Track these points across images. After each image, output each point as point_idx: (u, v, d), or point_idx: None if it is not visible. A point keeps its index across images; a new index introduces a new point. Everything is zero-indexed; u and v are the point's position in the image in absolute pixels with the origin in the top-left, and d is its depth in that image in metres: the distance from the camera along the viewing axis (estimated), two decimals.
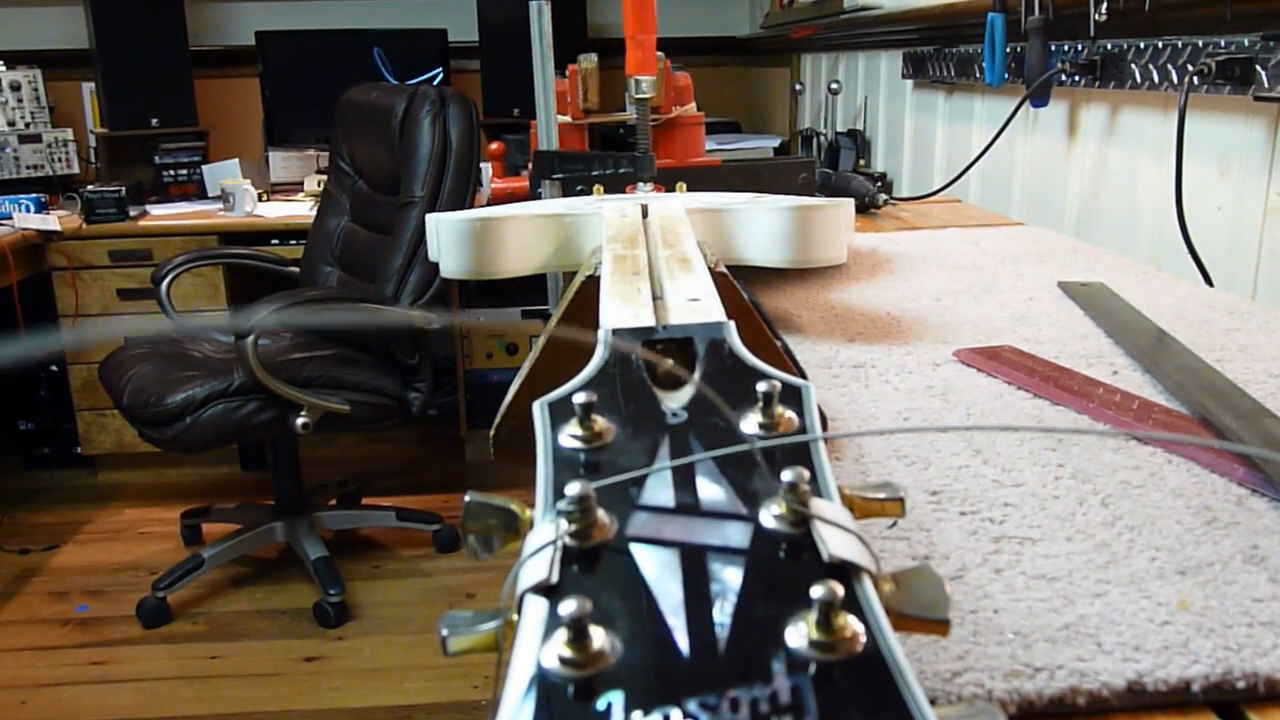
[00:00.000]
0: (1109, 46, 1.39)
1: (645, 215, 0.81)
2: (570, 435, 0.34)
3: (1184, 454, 0.62)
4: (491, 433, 0.63)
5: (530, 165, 1.44)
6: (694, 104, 1.61)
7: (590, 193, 1.22)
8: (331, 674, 2.16)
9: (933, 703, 0.23)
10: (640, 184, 1.21)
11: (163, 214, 3.04)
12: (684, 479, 0.32)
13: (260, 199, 3.10)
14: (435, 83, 3.12)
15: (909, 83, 2.32)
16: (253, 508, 2.68)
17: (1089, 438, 0.65)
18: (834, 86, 2.68)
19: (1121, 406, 0.69)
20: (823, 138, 2.76)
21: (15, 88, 3.10)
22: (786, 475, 0.29)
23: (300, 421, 2.21)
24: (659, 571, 0.28)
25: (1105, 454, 0.63)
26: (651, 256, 0.62)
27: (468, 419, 3.15)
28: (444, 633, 0.29)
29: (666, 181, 1.22)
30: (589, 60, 1.65)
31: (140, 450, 2.86)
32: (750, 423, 0.35)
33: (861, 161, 2.52)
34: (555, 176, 1.32)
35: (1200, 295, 1.02)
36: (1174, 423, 0.67)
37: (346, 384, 2.30)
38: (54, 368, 3.04)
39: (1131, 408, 0.69)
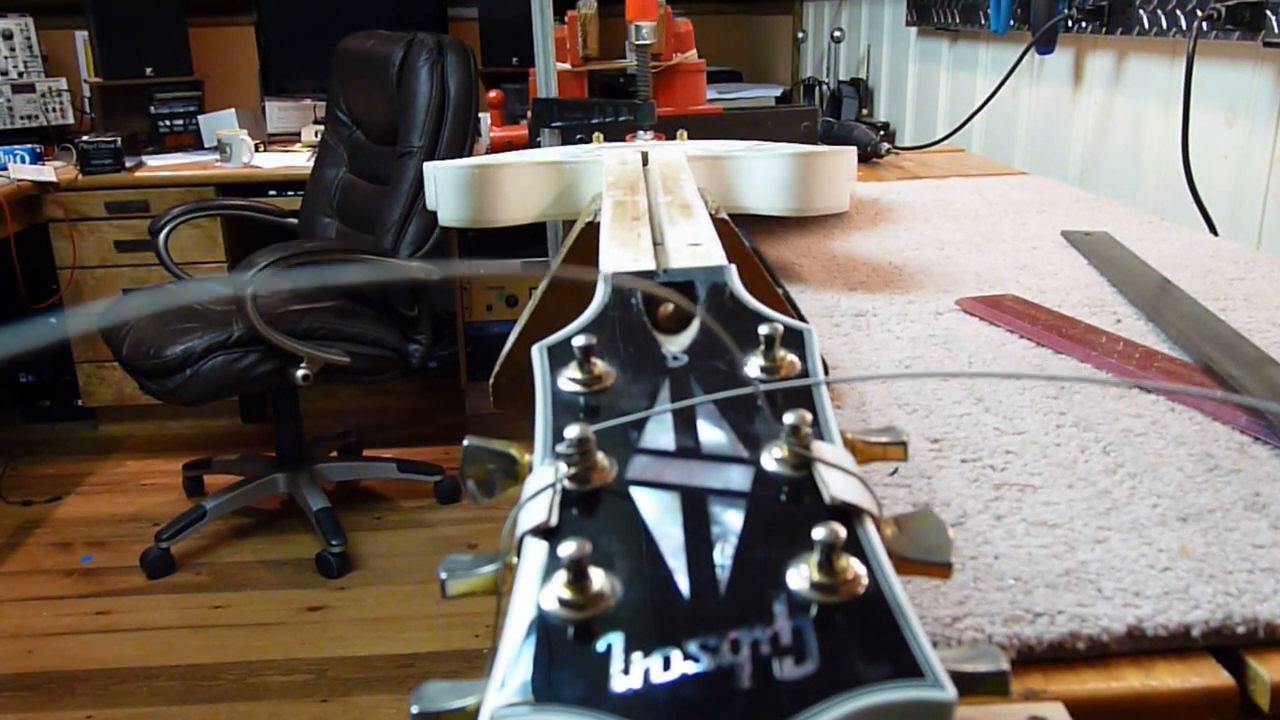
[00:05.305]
0: None
1: (645, 163, 0.80)
2: (569, 379, 0.34)
3: (1186, 402, 0.62)
4: (491, 381, 0.62)
5: (529, 114, 1.42)
6: (695, 51, 1.59)
7: (590, 141, 1.20)
8: (334, 623, 2.18)
9: (934, 646, 0.23)
10: (640, 132, 1.19)
11: (159, 164, 3.02)
12: (685, 422, 0.31)
13: (257, 150, 3.07)
14: None
15: (912, 30, 2.29)
16: (254, 459, 2.69)
17: (1091, 386, 0.65)
18: (837, 34, 2.64)
19: (1124, 355, 0.69)
20: (825, 87, 2.73)
21: (7, 36, 3.05)
22: (788, 418, 0.29)
23: (300, 373, 2.21)
24: (659, 514, 0.27)
25: (1107, 402, 0.62)
26: (651, 203, 0.62)
27: (468, 372, 3.14)
28: (443, 575, 0.29)
29: (667, 129, 1.20)
30: (588, 6, 1.63)
31: (141, 402, 2.86)
32: (752, 366, 0.34)
33: (864, 111, 2.50)
34: (554, 125, 1.30)
35: (1205, 244, 1.01)
36: (1177, 371, 0.66)
37: (346, 336, 2.30)
38: (53, 320, 3.03)
39: (1134, 356, 0.69)
